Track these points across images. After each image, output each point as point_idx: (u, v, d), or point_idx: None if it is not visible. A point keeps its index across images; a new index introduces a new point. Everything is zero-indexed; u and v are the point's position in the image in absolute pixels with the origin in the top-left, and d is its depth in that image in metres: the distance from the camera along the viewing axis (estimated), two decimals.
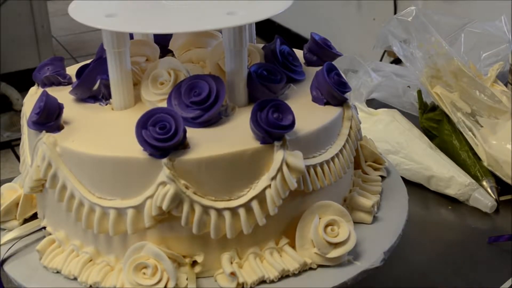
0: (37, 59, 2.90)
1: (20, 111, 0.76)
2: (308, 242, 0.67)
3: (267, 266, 0.66)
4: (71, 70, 0.77)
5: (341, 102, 0.71)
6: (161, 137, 0.61)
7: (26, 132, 0.72)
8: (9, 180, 0.81)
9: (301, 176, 0.65)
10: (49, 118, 0.66)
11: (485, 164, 0.98)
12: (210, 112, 0.65)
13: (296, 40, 2.65)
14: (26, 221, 0.75)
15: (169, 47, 0.80)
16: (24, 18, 2.90)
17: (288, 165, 0.63)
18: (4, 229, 0.75)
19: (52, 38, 3.08)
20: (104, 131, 0.67)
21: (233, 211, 0.63)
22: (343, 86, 0.71)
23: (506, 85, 1.07)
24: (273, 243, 0.67)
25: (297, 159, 0.64)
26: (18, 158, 2.44)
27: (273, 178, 0.63)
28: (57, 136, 0.66)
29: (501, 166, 0.97)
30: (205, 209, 0.62)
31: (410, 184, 0.96)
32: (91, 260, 0.67)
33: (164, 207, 0.61)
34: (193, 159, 0.62)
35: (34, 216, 0.76)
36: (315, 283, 0.66)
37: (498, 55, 1.13)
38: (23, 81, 1.86)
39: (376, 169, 0.81)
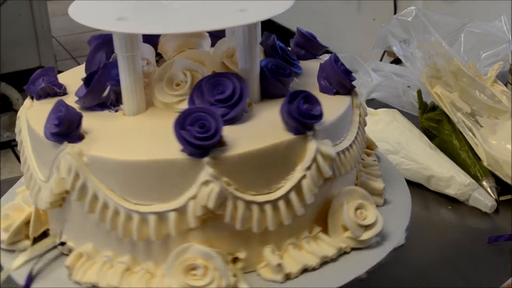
0: (37, 59, 2.90)
1: None
2: (339, 227, 0.68)
3: (307, 255, 0.66)
4: (61, 79, 0.75)
5: (350, 90, 0.73)
6: (202, 136, 0.60)
7: (29, 146, 0.70)
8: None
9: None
10: (70, 129, 0.64)
11: (485, 164, 0.98)
12: (236, 109, 0.65)
13: None
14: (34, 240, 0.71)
15: (158, 51, 0.78)
16: (24, 18, 2.89)
17: (322, 154, 0.64)
18: (14, 251, 0.71)
19: (52, 38, 3.08)
20: (127, 136, 0.66)
21: (274, 203, 0.63)
22: (350, 75, 0.73)
23: (506, 85, 1.07)
24: (307, 232, 0.68)
25: (328, 147, 0.65)
26: (18, 158, 2.45)
27: (308, 167, 0.64)
28: (81, 146, 0.63)
29: (501, 166, 0.97)
30: (248, 204, 0.62)
31: (410, 184, 0.96)
32: (128, 270, 0.65)
33: (210, 205, 0.60)
34: (234, 156, 0.62)
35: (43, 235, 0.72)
36: (353, 266, 0.67)
37: (498, 55, 1.13)
38: (23, 81, 1.85)
39: (368, 155, 0.82)
